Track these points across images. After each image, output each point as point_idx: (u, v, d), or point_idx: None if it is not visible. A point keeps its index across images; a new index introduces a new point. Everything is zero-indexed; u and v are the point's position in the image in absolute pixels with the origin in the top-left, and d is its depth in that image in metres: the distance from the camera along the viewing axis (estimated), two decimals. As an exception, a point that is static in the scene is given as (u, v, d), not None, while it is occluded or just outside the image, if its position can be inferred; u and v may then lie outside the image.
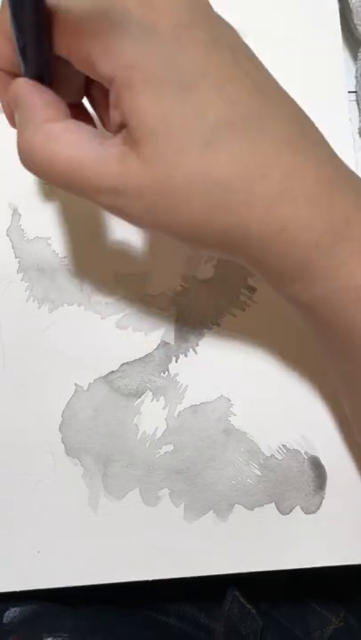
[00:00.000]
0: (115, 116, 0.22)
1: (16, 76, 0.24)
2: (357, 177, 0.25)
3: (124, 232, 0.33)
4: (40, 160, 0.23)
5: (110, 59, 0.21)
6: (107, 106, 0.24)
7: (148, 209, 0.22)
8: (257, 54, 0.24)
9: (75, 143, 0.22)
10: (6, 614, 0.34)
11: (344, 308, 0.24)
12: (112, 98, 0.22)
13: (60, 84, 0.24)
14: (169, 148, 0.21)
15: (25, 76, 0.24)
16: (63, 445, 0.31)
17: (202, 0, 0.23)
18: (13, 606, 0.35)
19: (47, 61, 0.23)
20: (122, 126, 0.22)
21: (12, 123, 0.26)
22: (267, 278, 0.25)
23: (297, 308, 0.26)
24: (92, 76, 0.23)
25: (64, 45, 0.22)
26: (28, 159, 0.23)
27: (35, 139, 0.23)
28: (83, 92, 0.27)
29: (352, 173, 0.25)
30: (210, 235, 0.23)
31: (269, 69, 0.24)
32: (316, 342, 0.28)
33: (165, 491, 0.31)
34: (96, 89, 0.27)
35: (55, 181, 0.23)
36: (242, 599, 0.36)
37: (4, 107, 0.26)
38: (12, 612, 0.34)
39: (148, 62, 0.21)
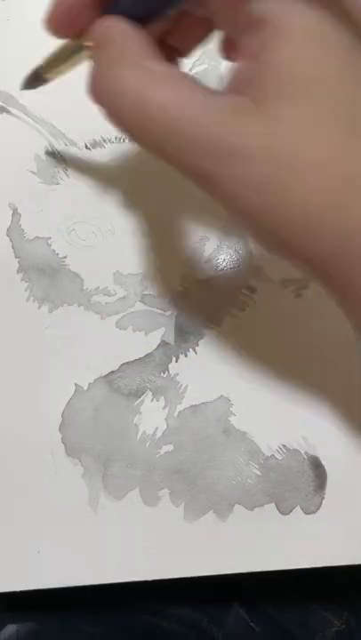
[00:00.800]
0: (244, 68, 0.19)
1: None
2: None
3: (123, 232, 0.33)
4: (130, 103, 0.19)
5: None
6: None
7: (251, 180, 0.18)
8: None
9: (174, 85, 0.18)
10: (3, 631, 0.34)
11: None
12: (248, 44, 0.19)
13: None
14: (308, 119, 0.18)
15: (121, 12, 0.21)
16: (63, 445, 0.31)
17: None
18: (10, 623, 0.34)
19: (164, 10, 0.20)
20: (247, 83, 0.19)
21: (57, 27, 0.22)
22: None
23: None
24: (231, 20, 0.19)
25: None
26: (115, 102, 0.19)
27: (125, 77, 0.19)
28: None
29: None
30: (315, 236, 0.19)
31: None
32: None
33: (165, 491, 0.31)
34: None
35: (142, 132, 0.19)
36: (245, 615, 0.36)
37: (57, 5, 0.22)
38: (9, 629, 0.34)
39: (319, 16, 0.18)
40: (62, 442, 0.31)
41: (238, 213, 0.19)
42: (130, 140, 0.20)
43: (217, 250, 0.33)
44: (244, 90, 0.18)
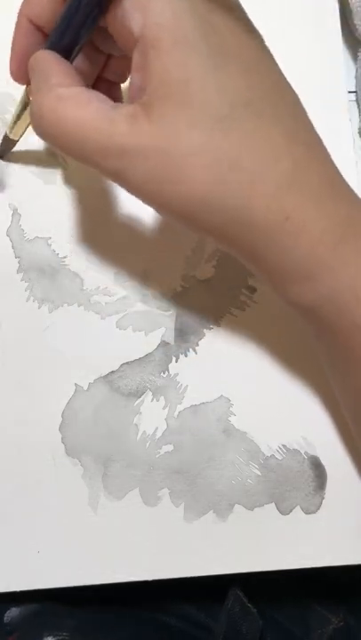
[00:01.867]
0: (135, 79, 0.22)
1: (42, 31, 0.25)
2: (349, 186, 0.25)
3: (124, 232, 0.33)
4: (49, 122, 0.22)
5: (143, 13, 0.21)
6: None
7: (150, 174, 0.22)
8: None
9: (84, 104, 0.22)
10: (7, 614, 0.34)
11: (349, 308, 0.23)
12: (136, 59, 0.22)
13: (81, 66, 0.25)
14: (182, 114, 0.21)
15: (50, 47, 0.24)
16: (63, 445, 0.31)
17: None
18: (14, 606, 0.35)
19: (79, 41, 0.24)
20: (140, 91, 0.22)
21: (17, 76, 0.27)
22: (268, 276, 0.24)
23: (298, 310, 0.25)
24: (119, 39, 0.23)
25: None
26: (38, 122, 0.23)
27: (45, 100, 0.23)
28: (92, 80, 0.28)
29: (346, 181, 0.25)
30: (210, 213, 0.22)
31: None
32: (317, 347, 0.27)
33: (165, 491, 0.31)
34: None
35: (63, 144, 0.23)
36: (243, 598, 0.36)
37: (13, 57, 0.27)
38: (12, 612, 0.34)
39: (181, 24, 0.21)
40: (62, 442, 0.31)
41: (148, 202, 0.23)
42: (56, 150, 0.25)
43: (217, 250, 0.33)
44: (137, 97, 0.22)
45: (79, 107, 0.22)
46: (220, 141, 0.21)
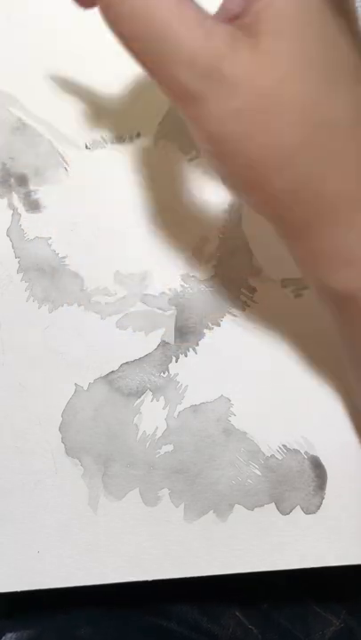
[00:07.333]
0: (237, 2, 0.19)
1: None
2: None
3: (123, 232, 0.33)
4: (138, 18, 0.18)
5: None
6: None
7: (232, 112, 0.18)
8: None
9: (181, 3, 0.18)
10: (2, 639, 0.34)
11: None
12: None
13: None
14: (294, 60, 0.18)
15: None
16: (63, 445, 0.31)
17: None
18: (10, 631, 0.34)
19: None
20: (241, 9, 0.19)
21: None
22: (311, 258, 0.22)
23: (333, 299, 0.23)
24: None
25: None
26: (125, 17, 0.19)
27: None
28: None
29: None
30: (281, 176, 0.19)
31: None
32: (344, 339, 0.25)
33: (165, 491, 0.31)
34: None
35: (145, 46, 0.19)
36: (244, 620, 0.36)
37: None
38: (7, 638, 0.34)
39: None
40: (62, 442, 0.31)
41: (215, 139, 0.19)
42: (127, 51, 0.19)
43: (217, 250, 0.33)
44: (239, 20, 0.19)
45: (176, 4, 0.18)
46: (327, 103, 0.18)
